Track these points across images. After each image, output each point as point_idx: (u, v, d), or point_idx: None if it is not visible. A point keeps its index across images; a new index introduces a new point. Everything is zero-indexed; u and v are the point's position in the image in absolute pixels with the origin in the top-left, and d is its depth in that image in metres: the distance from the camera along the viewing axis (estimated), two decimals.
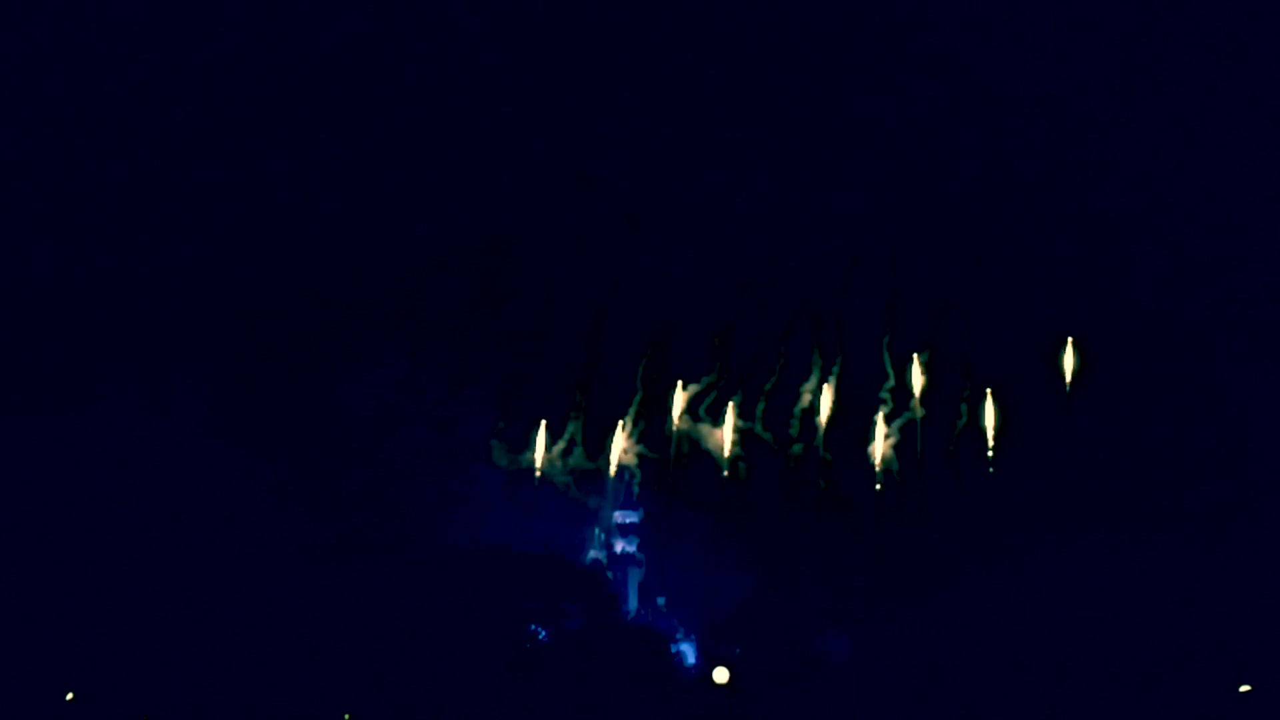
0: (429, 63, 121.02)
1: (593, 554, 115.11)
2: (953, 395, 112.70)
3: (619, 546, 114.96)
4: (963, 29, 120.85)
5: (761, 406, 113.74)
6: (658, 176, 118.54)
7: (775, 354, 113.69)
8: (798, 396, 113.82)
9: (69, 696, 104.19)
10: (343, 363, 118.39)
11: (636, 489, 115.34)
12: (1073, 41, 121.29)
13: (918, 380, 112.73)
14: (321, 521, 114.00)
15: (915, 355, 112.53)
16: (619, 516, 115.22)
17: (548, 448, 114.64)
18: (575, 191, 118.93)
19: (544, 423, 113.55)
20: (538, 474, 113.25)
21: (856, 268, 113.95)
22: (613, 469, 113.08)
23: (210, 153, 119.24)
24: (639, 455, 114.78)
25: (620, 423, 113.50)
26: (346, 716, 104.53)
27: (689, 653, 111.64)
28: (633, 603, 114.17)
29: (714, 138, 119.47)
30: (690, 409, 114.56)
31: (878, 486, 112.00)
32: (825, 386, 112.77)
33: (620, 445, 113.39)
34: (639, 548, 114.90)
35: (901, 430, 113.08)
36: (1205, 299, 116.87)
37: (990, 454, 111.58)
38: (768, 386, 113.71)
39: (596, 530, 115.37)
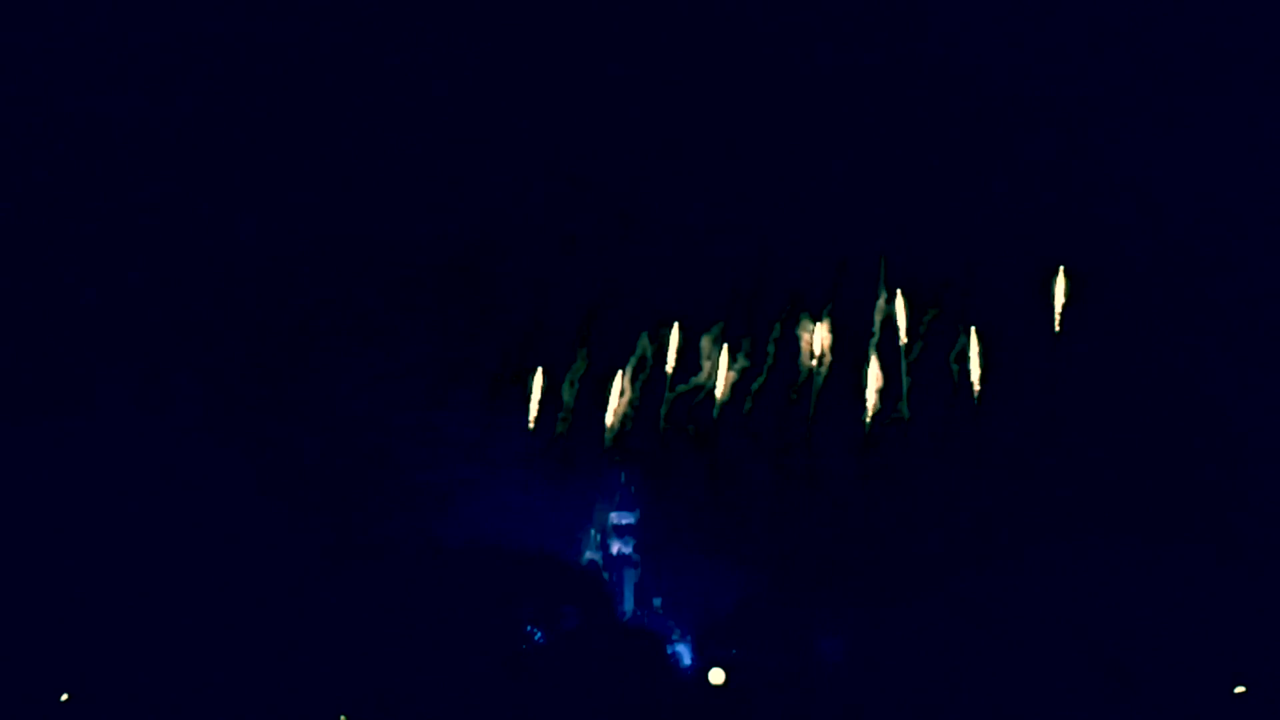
0: (420, 61, 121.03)
1: (589, 555, 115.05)
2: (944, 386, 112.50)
3: (615, 548, 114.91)
4: None
5: (749, 406, 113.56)
6: (648, 176, 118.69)
7: (763, 353, 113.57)
8: (787, 395, 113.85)
9: (64, 697, 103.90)
10: (334, 363, 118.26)
11: (633, 490, 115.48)
12: None
13: (901, 320, 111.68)
14: (314, 523, 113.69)
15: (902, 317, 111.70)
16: (615, 517, 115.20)
17: (541, 447, 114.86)
18: (566, 190, 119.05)
19: (538, 382, 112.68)
20: (541, 426, 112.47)
21: (849, 243, 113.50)
22: (608, 427, 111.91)
23: (204, 152, 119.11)
24: (634, 454, 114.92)
25: (616, 381, 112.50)
26: (343, 718, 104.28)
27: (685, 654, 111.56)
28: (629, 604, 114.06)
29: (705, 137, 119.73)
30: (682, 408, 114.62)
31: (869, 424, 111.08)
32: (822, 346, 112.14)
33: (617, 399, 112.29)
34: (635, 549, 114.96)
35: (893, 426, 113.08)
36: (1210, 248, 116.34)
37: (979, 400, 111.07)
38: (755, 387, 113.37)
39: (593, 531, 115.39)
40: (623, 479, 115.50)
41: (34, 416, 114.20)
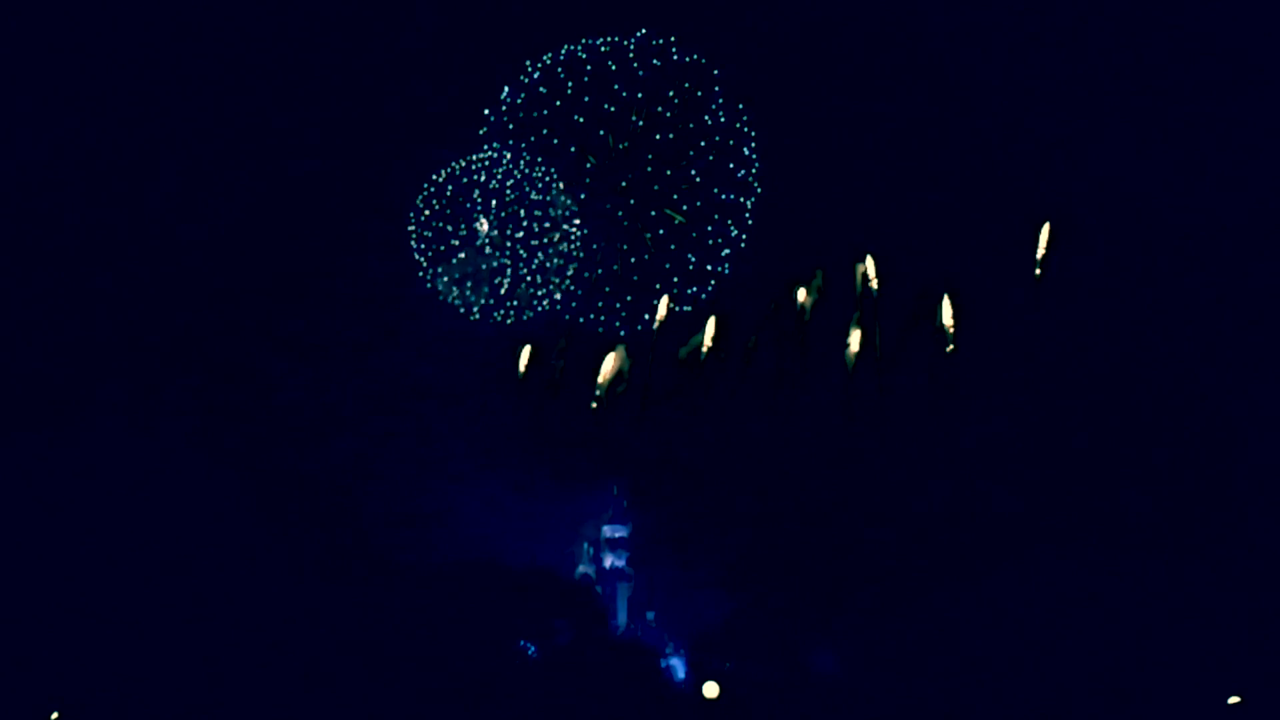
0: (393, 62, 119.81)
1: (581, 569, 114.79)
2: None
3: (608, 561, 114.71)
4: None
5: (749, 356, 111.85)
6: None
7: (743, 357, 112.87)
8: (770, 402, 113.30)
9: (54, 716, 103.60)
10: (323, 378, 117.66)
11: (625, 504, 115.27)
12: None
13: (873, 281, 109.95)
14: (302, 540, 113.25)
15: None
16: (608, 531, 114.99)
17: (532, 461, 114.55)
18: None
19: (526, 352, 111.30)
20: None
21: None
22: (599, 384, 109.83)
23: (201, 158, 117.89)
24: (623, 466, 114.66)
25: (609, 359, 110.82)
26: None
27: (679, 667, 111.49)
28: (622, 617, 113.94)
29: None
30: (668, 422, 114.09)
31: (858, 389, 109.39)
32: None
33: (610, 365, 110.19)
34: (628, 562, 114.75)
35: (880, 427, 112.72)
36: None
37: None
38: (751, 343, 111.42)
39: (585, 545, 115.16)
40: (615, 492, 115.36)
41: (17, 432, 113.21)
